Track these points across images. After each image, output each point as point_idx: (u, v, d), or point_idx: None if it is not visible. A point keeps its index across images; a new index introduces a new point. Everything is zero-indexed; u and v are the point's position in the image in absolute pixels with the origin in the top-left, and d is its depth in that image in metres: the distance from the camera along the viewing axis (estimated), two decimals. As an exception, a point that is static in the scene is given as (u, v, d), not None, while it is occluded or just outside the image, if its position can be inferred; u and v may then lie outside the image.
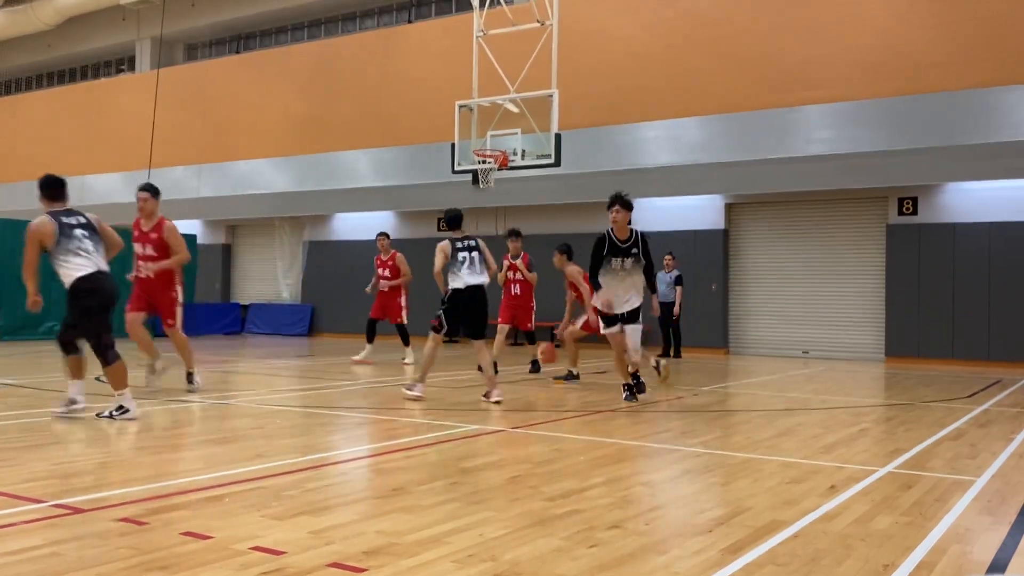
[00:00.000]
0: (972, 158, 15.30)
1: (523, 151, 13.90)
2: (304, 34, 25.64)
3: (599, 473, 5.14)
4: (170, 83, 25.78)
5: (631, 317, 8.71)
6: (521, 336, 14.50)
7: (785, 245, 17.94)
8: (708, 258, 18.18)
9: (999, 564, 3.55)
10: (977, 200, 16.08)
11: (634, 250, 8.59)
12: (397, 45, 21.87)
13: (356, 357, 13.44)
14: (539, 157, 14.05)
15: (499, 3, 14.76)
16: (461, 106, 14.29)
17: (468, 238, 8.85)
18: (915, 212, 16.60)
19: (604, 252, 8.58)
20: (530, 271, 11.96)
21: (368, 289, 14.00)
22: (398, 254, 13.63)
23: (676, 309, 15.97)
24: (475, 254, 8.70)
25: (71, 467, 5.20)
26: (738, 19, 17.62)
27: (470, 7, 15.09)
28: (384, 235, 13.94)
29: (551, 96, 13.32)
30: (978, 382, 12.23)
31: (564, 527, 3.93)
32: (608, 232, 8.69)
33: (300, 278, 23.66)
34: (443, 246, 8.65)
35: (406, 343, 13.49)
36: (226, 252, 25.54)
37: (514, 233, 12.18)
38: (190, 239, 22.40)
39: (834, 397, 10.18)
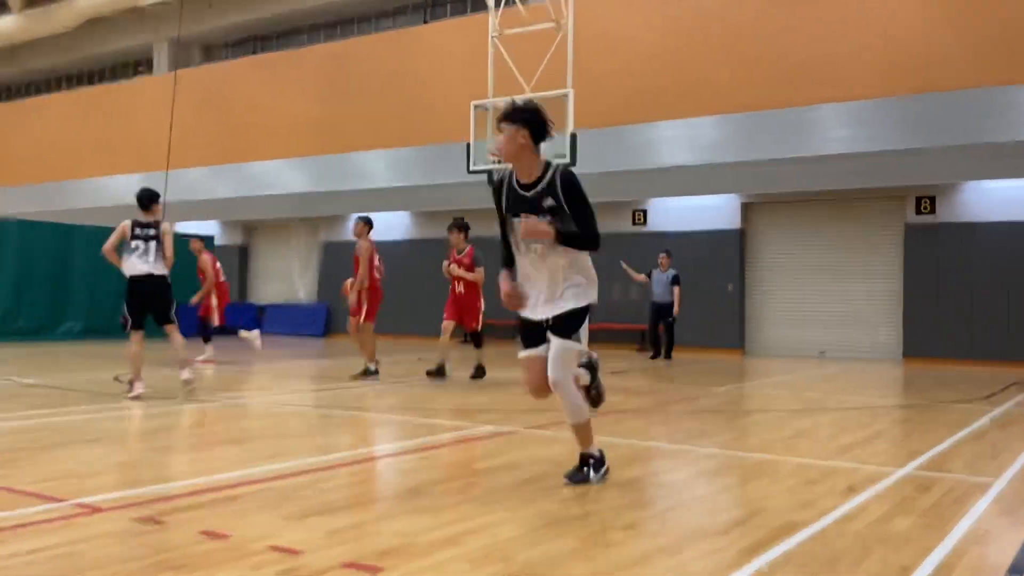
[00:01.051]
0: (991, 157, 15.18)
1: (538, 151, 13.89)
2: (320, 35, 25.72)
3: (613, 474, 5.13)
4: (187, 85, 25.90)
5: (558, 327, 4.69)
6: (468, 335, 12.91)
7: (801, 245, 17.86)
8: (724, 258, 18.12)
9: (1018, 566, 3.51)
10: (996, 199, 15.95)
11: (548, 201, 4.61)
12: (412, 46, 21.92)
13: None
14: (554, 157, 14.04)
15: (514, 3, 14.76)
16: (476, 106, 14.31)
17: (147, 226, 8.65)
18: (933, 211, 16.49)
19: (502, 208, 4.83)
20: (476, 267, 10.97)
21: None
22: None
23: (676, 310, 15.37)
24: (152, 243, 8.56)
25: (89, 466, 5.24)
26: (753, 17, 17.54)
27: (485, 7, 15.11)
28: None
29: (566, 96, 13.30)
30: (997, 382, 12.13)
31: (578, 528, 3.93)
32: (510, 175, 4.80)
33: (316, 278, 23.75)
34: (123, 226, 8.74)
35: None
36: (243, 253, 25.67)
37: (456, 226, 11.19)
38: (207, 240, 22.56)
39: (851, 398, 10.12)
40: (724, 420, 8.14)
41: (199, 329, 13.61)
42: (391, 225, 22.89)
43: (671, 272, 15.59)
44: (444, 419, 7.54)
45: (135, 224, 8.59)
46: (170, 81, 26.27)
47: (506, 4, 14.85)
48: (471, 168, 14.30)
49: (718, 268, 18.01)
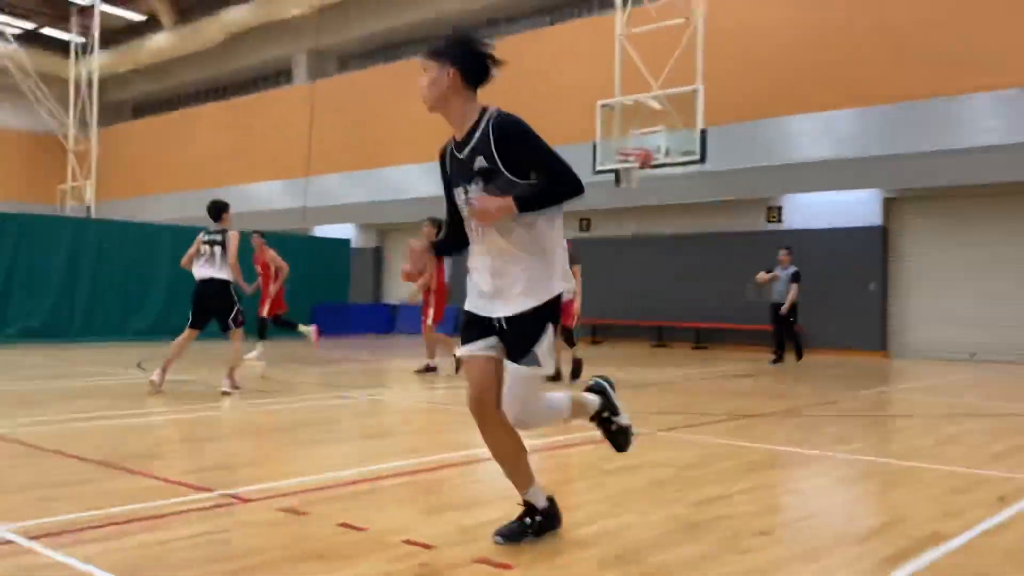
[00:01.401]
0: None
1: (667, 149, 13.72)
2: (450, 41, 26.23)
3: (747, 479, 5.02)
4: (324, 94, 26.98)
5: (510, 342, 3.45)
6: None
7: (950, 241, 16.92)
8: (864, 256, 17.37)
9: None
10: None
11: (479, 162, 3.42)
12: (538, 47, 22.05)
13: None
14: (683, 154, 13.83)
15: (641, 2, 14.63)
16: (603, 105, 14.27)
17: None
18: (1098, 204, 15.31)
19: (445, 179, 3.67)
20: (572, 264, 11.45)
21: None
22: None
23: (785, 307, 14.40)
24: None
25: (237, 458, 5.53)
26: (897, 3, 16.76)
27: (611, 7, 15.04)
28: None
29: (696, 92, 13.09)
30: None
31: (711, 533, 3.87)
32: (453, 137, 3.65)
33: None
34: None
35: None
36: (377, 255, 26.47)
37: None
38: (343, 243, 23.39)
39: (1005, 403, 9.53)
40: (865, 425, 7.82)
41: (273, 324, 14.00)
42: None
43: (791, 269, 14.72)
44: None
45: (205, 233, 9.19)
46: (307, 91, 27.42)
47: (633, 3, 14.74)
48: (597, 168, 14.28)
49: (857, 266, 17.29)
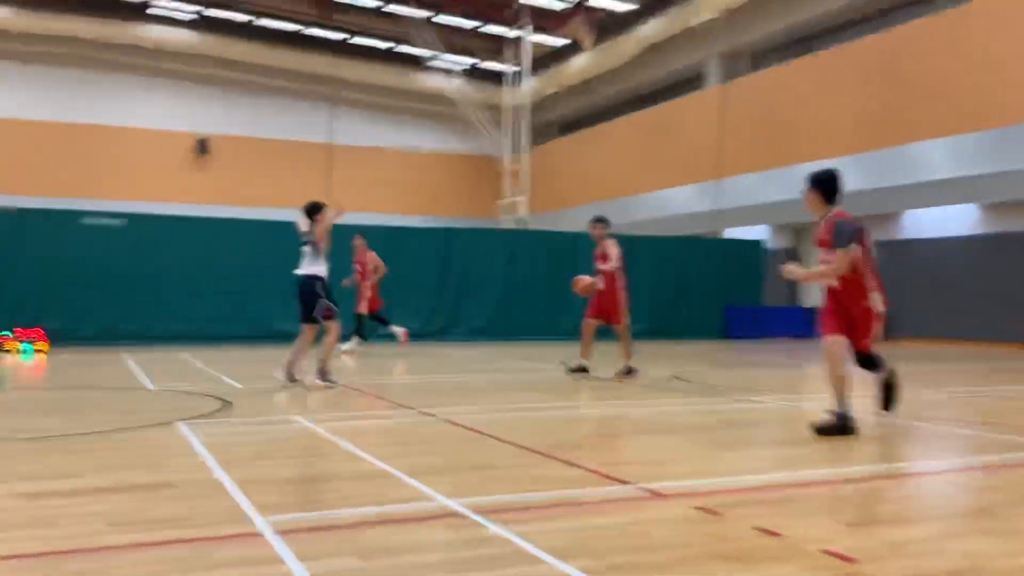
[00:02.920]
0: None
1: None
2: (866, 28, 24.53)
3: None
4: (736, 94, 26.80)
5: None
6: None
7: None
8: None
9: None
10: None
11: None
12: (969, 23, 19.74)
13: None
14: None
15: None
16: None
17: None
18: None
19: None
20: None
21: None
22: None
23: None
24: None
25: (655, 455, 5.72)
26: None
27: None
28: None
29: None
30: None
31: None
32: None
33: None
34: None
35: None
36: (792, 255, 25.62)
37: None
38: (755, 244, 23.03)
39: None
40: None
41: (368, 320, 15.05)
42: (950, 219, 20.87)
43: None
44: (1021, 435, 6.65)
45: (301, 235, 9.49)
46: (718, 94, 27.44)
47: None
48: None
49: None
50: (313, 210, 9.43)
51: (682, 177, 28.81)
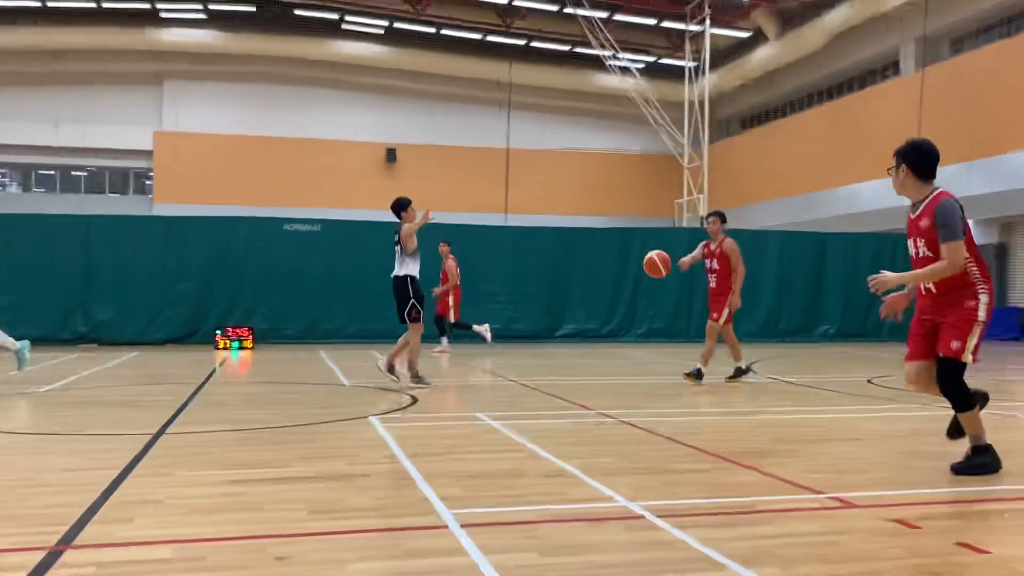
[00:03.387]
0: None
1: None
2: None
3: None
4: (934, 80, 25.09)
5: None
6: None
7: None
8: None
9: None
10: None
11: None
12: None
13: None
14: None
15: None
16: None
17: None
18: None
19: None
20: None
21: None
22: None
23: None
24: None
25: (848, 463, 5.46)
26: None
27: None
28: None
29: None
30: None
31: None
32: None
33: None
34: None
35: None
36: (1000, 251, 23.68)
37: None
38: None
39: None
40: None
41: (435, 324, 15.20)
42: None
43: None
44: None
45: (395, 233, 9.42)
46: (915, 81, 25.78)
47: None
48: None
49: None
50: (398, 208, 9.38)
51: (874, 171, 27.26)
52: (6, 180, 33.82)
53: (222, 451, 5.67)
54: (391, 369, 9.44)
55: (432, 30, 32.72)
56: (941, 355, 4.89)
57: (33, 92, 31.86)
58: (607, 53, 30.47)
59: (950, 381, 4.90)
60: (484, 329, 15.64)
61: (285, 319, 17.29)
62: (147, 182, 33.98)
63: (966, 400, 4.91)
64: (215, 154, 32.69)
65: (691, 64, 31.22)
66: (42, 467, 5.08)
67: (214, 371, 11.63)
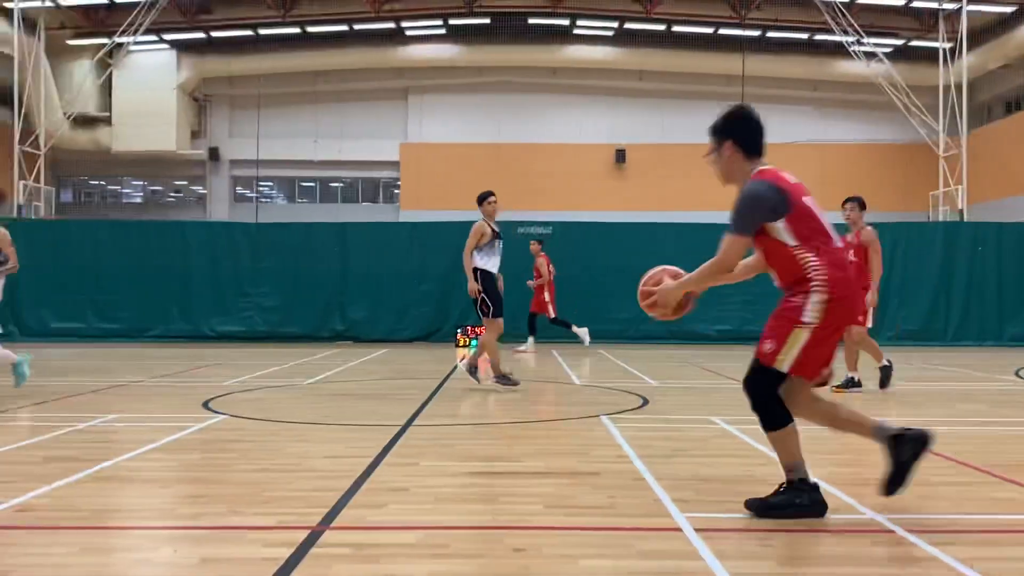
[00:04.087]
0: None
1: None
2: None
3: None
4: None
5: None
6: None
7: None
8: None
9: None
10: None
11: None
12: None
13: None
14: None
15: None
16: None
17: None
18: None
19: None
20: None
21: None
22: None
23: None
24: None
25: None
26: None
27: None
28: None
29: None
30: None
31: None
32: None
33: None
34: None
35: None
36: None
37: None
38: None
39: None
40: None
41: (528, 323, 15.45)
42: None
43: None
44: None
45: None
46: None
47: None
48: None
49: None
50: (479, 200, 9.41)
51: None
52: (274, 192, 37.30)
53: (462, 444, 5.94)
54: (473, 371, 9.17)
55: (662, 27, 32.44)
56: (753, 356, 4.01)
57: (296, 112, 34.92)
58: (850, 38, 28.80)
59: (757, 389, 4.00)
60: (583, 332, 15.59)
61: (520, 318, 17.77)
62: (395, 191, 36.22)
63: (773, 417, 3.97)
64: (453, 162, 34.25)
65: (946, 45, 28.80)
66: (306, 454, 5.57)
67: (455, 368, 12.20)
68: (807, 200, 4.04)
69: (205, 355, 14.17)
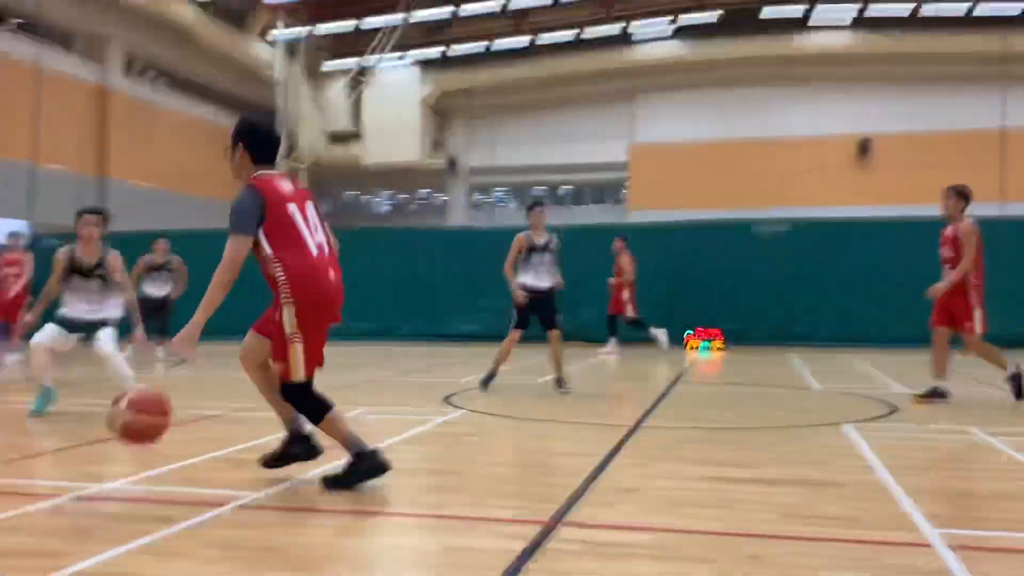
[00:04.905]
0: None
1: None
2: None
3: None
4: None
5: None
6: None
7: None
8: None
9: None
10: None
11: None
12: None
13: None
14: None
15: None
16: None
17: None
18: None
19: None
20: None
21: None
22: None
23: None
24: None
25: None
26: None
27: None
28: None
29: None
30: None
31: None
32: None
33: None
34: None
35: None
36: None
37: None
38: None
39: None
40: None
41: (608, 324, 14.98)
42: None
43: None
44: None
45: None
46: None
47: None
48: None
49: None
50: (528, 207, 9.65)
51: None
52: (506, 199, 38.52)
53: (693, 447, 5.87)
54: (560, 382, 9.08)
55: (911, 5, 30.16)
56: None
57: (525, 119, 35.83)
58: None
59: (292, 400, 4.43)
60: (661, 333, 15.00)
61: (755, 321, 17.17)
62: (622, 191, 36.24)
63: (314, 411, 4.42)
64: (681, 161, 33.75)
65: None
66: (542, 450, 5.74)
67: (684, 370, 12.03)
68: (291, 208, 4.26)
69: (452, 353, 14.91)
